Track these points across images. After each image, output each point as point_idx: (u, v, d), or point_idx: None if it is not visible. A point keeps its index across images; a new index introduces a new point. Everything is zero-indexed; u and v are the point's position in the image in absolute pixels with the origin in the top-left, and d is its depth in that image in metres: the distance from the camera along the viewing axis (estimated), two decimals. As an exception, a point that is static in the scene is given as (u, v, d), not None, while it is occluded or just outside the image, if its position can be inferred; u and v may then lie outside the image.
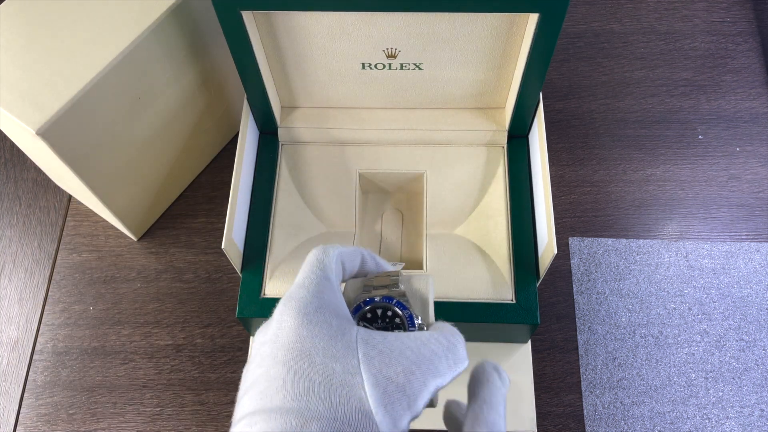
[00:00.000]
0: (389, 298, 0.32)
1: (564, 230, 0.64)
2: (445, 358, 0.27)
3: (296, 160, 0.57)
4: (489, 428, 0.27)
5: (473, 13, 0.46)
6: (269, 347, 0.26)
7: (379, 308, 0.32)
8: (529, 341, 0.58)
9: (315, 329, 0.26)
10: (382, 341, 0.26)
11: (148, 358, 0.59)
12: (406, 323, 0.32)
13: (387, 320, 0.32)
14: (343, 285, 0.34)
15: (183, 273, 0.62)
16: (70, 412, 0.57)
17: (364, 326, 0.31)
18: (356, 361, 0.25)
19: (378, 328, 0.31)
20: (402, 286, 0.33)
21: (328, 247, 0.30)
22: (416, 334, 0.28)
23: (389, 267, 0.34)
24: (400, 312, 0.32)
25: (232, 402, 0.56)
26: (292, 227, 0.53)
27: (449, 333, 0.28)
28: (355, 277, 0.33)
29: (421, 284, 0.34)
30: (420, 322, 0.32)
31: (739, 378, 0.58)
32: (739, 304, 0.61)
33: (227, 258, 0.55)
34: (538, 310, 0.48)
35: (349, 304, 0.32)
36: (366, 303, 0.32)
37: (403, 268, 0.39)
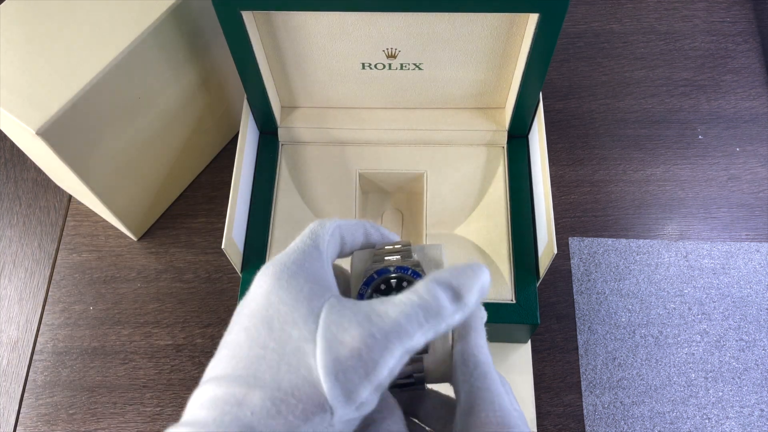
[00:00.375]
0: (404, 268, 0.30)
1: (564, 230, 0.64)
2: (414, 316, 0.23)
3: (296, 160, 0.57)
4: (478, 350, 0.27)
5: (473, 13, 0.45)
6: (238, 313, 0.25)
7: (394, 279, 0.30)
8: (529, 341, 0.58)
9: (284, 294, 0.24)
10: (352, 307, 0.24)
11: (148, 358, 0.59)
12: None
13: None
14: (347, 260, 0.32)
15: (183, 273, 0.62)
16: (70, 412, 0.57)
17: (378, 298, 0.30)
18: (315, 326, 0.23)
19: None
20: (416, 256, 0.31)
21: (326, 219, 0.29)
22: (392, 296, 0.25)
23: (396, 237, 0.33)
24: (416, 282, 0.30)
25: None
26: (292, 227, 0.53)
27: (434, 281, 0.25)
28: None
29: (435, 253, 0.32)
30: None
31: (739, 378, 0.58)
32: (739, 304, 0.61)
33: (227, 258, 0.55)
34: (538, 310, 0.48)
35: (358, 276, 0.30)
36: (379, 273, 0.30)
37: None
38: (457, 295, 0.25)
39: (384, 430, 0.25)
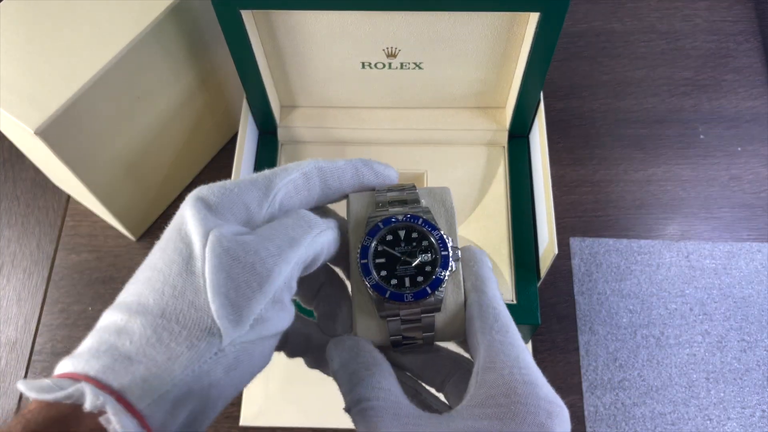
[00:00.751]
0: (414, 217, 0.27)
1: (565, 230, 0.64)
2: (298, 227, 0.23)
3: (295, 160, 0.56)
4: (496, 302, 0.26)
5: (474, 12, 0.45)
6: None
7: (402, 229, 0.27)
8: (530, 341, 0.57)
9: (190, 215, 0.22)
10: (247, 231, 0.23)
11: (147, 359, 0.58)
12: (437, 246, 0.27)
13: (413, 244, 0.27)
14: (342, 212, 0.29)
15: (182, 273, 0.62)
16: (69, 412, 0.57)
17: (384, 251, 0.27)
18: (205, 243, 0.21)
19: (402, 254, 0.27)
20: (424, 202, 0.28)
21: (299, 163, 0.26)
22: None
23: (393, 174, 0.29)
24: (428, 233, 0.27)
25: (231, 402, 0.56)
26: (292, 227, 0.53)
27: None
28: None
29: (444, 197, 0.29)
30: (453, 244, 0.27)
31: (740, 379, 0.57)
32: (740, 305, 0.60)
33: (226, 258, 0.55)
34: (538, 310, 0.48)
35: (358, 223, 0.28)
36: (385, 223, 0.27)
37: None
38: (324, 211, 0.27)
39: (372, 386, 0.24)
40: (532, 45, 0.46)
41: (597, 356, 0.58)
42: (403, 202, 0.28)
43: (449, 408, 0.26)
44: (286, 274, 0.22)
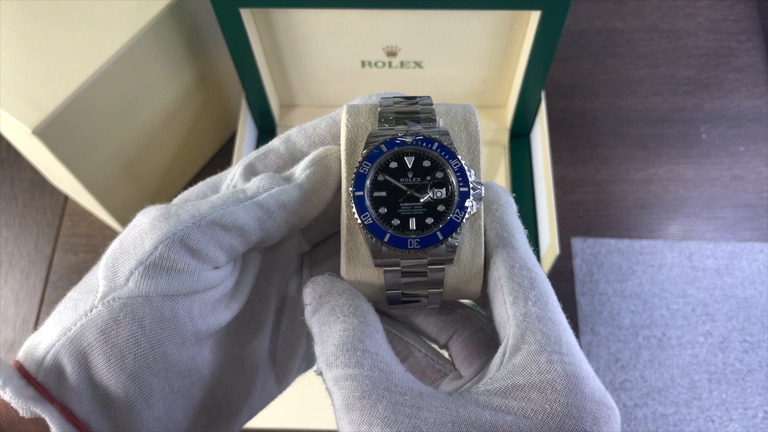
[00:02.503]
0: (427, 140, 0.21)
1: (566, 230, 0.63)
2: (212, 200, 0.21)
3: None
4: (532, 262, 0.21)
5: (475, 10, 0.45)
6: None
7: (410, 154, 0.21)
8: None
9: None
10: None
11: (145, 360, 0.58)
12: (454, 180, 0.21)
13: (424, 175, 0.21)
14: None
15: (181, 273, 0.62)
16: (67, 414, 0.56)
17: (385, 181, 0.21)
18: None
19: (408, 187, 0.21)
20: (441, 122, 0.22)
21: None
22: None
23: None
24: (445, 162, 0.21)
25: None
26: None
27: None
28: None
29: (468, 118, 0.23)
30: (475, 179, 0.21)
31: (743, 380, 0.57)
32: (743, 305, 0.60)
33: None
34: (540, 311, 0.48)
35: (354, 143, 0.22)
36: (389, 145, 0.21)
37: None
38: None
39: (352, 347, 0.19)
40: (533, 44, 0.45)
41: (599, 357, 0.58)
42: (414, 118, 0.22)
43: (454, 370, 0.23)
44: (156, 240, 0.20)
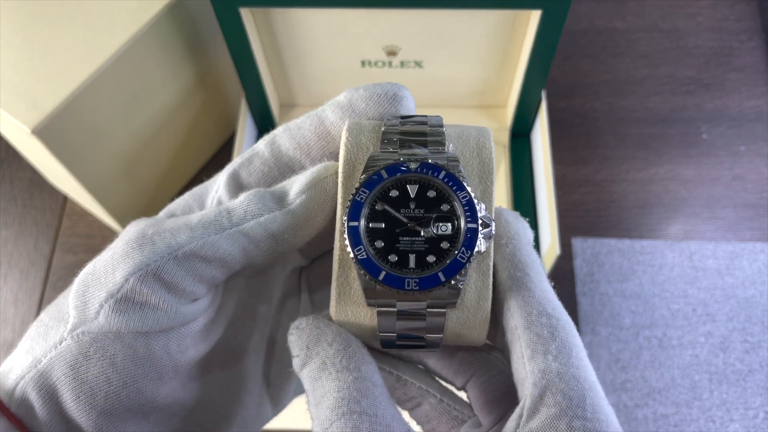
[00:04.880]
0: (434, 168, 0.19)
1: (567, 230, 0.63)
2: (189, 222, 0.20)
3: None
4: (552, 306, 0.18)
5: (475, 10, 0.45)
6: None
7: (414, 183, 0.19)
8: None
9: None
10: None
11: (145, 360, 0.58)
12: (462, 214, 0.19)
13: (428, 207, 0.19)
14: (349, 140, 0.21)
15: (181, 274, 0.62)
16: (66, 414, 0.56)
17: (384, 211, 0.19)
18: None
19: (410, 219, 0.19)
20: (451, 146, 0.20)
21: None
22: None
23: (410, 104, 0.21)
24: (452, 193, 0.19)
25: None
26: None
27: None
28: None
29: (482, 143, 0.20)
30: (485, 213, 0.19)
31: (743, 380, 0.57)
32: (743, 305, 0.60)
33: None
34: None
35: (353, 166, 0.20)
36: (391, 171, 0.19)
37: None
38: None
39: (346, 407, 0.17)
40: (533, 43, 0.45)
41: (599, 357, 0.58)
42: (420, 141, 0.19)
43: (474, 415, 0.21)
44: (127, 271, 0.19)
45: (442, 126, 0.20)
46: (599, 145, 0.68)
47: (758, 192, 0.65)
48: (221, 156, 0.67)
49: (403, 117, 0.20)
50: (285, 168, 0.21)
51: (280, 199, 0.20)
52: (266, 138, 0.22)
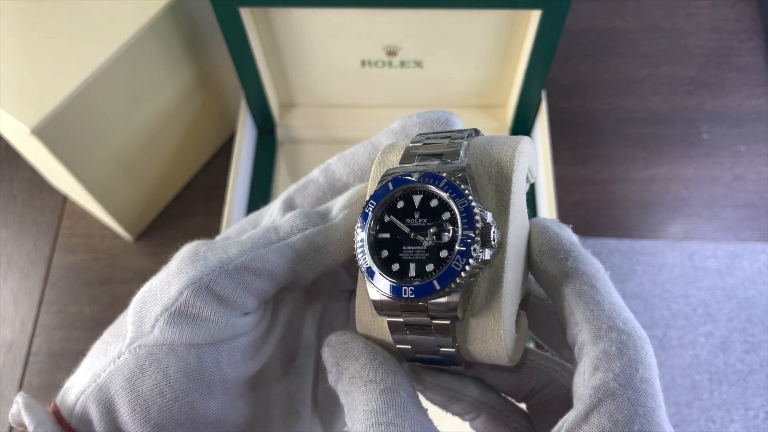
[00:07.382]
0: (434, 177, 0.19)
1: (567, 230, 0.63)
2: (244, 240, 0.21)
3: (295, 160, 0.56)
4: (612, 310, 0.18)
5: (475, 9, 0.45)
6: None
7: (419, 193, 0.19)
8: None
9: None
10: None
11: (144, 360, 0.58)
12: (459, 220, 0.18)
13: (431, 216, 0.19)
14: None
15: (180, 274, 0.61)
16: (66, 414, 0.56)
17: (391, 222, 0.20)
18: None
19: (411, 229, 0.19)
20: (464, 155, 0.20)
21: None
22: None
23: (433, 120, 0.21)
24: (450, 200, 0.19)
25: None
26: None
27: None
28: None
29: (505, 148, 0.20)
30: (488, 221, 0.18)
31: (744, 380, 0.57)
32: (744, 306, 0.60)
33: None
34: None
35: (374, 181, 0.21)
36: (397, 183, 0.19)
37: None
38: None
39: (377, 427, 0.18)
40: (533, 43, 0.45)
41: (599, 358, 0.58)
42: (436, 154, 0.20)
43: (533, 428, 0.21)
44: (181, 285, 0.20)
45: (463, 138, 0.20)
46: (599, 145, 0.68)
47: (759, 192, 0.65)
48: (221, 156, 0.67)
49: (430, 134, 0.21)
50: (338, 193, 0.22)
51: (324, 215, 0.21)
52: (321, 166, 0.23)
